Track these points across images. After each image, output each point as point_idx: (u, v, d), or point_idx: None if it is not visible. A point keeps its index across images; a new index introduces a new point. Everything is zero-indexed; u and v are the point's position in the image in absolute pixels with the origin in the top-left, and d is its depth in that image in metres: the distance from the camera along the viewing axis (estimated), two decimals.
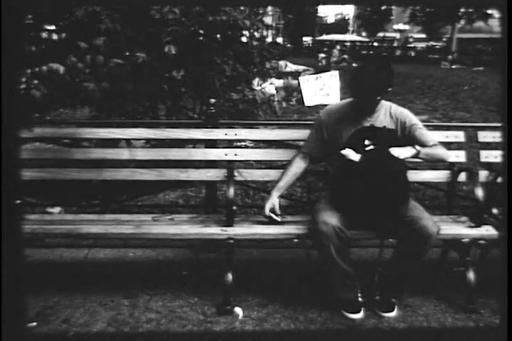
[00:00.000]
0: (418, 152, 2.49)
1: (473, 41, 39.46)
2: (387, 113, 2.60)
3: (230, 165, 2.86)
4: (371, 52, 37.47)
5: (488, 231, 2.61)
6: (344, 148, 2.47)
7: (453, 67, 27.91)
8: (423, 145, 2.55)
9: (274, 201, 2.64)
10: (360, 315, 2.45)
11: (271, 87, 8.42)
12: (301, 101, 11.09)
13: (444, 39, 40.82)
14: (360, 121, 2.57)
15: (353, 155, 2.42)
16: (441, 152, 2.61)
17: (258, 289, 2.72)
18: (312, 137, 2.70)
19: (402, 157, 2.43)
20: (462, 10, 32.57)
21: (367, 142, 2.48)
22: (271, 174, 2.96)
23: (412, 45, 42.50)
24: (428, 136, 2.61)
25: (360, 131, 2.53)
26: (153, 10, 3.62)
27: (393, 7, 45.24)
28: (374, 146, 2.47)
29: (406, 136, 2.58)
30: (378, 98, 2.51)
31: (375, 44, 43.63)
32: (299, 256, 3.05)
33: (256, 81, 4.92)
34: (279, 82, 10.86)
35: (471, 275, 2.57)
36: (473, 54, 32.65)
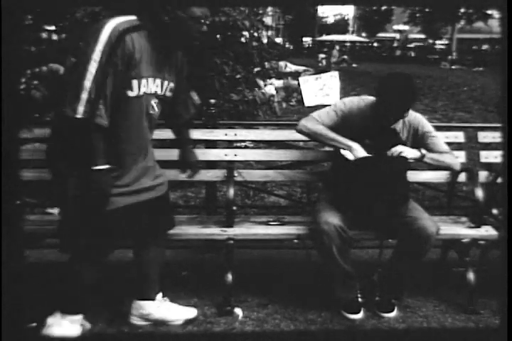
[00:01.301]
0: (423, 156, 2.46)
1: (473, 41, 39.48)
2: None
3: (229, 166, 2.86)
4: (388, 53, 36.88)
5: (488, 231, 2.61)
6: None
7: (453, 67, 27.94)
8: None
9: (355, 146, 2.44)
10: (360, 316, 2.45)
11: (271, 87, 8.41)
12: (301, 101, 11.09)
13: (444, 39, 40.84)
14: (375, 124, 2.52)
15: (350, 156, 2.41)
16: (449, 160, 2.55)
17: (258, 289, 2.71)
18: (329, 112, 2.55)
19: (404, 154, 2.41)
20: (462, 10, 32.58)
21: (367, 141, 2.47)
22: (271, 174, 2.95)
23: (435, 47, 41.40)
24: (439, 145, 2.56)
25: (361, 130, 2.52)
26: None
27: (393, 7, 45.23)
28: (374, 145, 2.46)
29: (417, 143, 2.55)
30: (398, 119, 2.50)
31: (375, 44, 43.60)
32: (299, 256, 3.05)
33: (261, 83, 4.92)
34: (279, 83, 10.88)
35: (471, 275, 2.57)
36: (473, 54, 32.66)
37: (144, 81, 1.94)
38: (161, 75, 2.02)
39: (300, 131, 2.57)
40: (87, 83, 1.81)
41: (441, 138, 2.62)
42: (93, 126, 1.86)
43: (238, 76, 4.34)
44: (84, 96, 1.82)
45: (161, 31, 1.94)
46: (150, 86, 1.99)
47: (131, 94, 1.92)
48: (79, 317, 2.17)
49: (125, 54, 1.84)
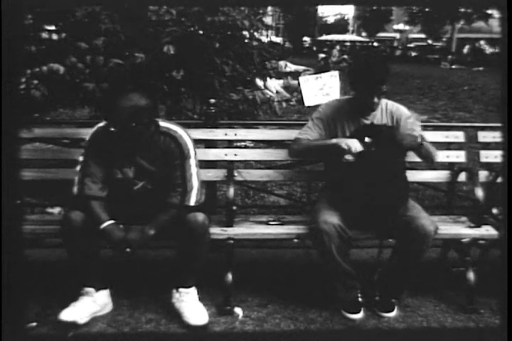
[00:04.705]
0: (422, 138, 2.44)
1: (473, 41, 39.46)
2: (383, 110, 2.60)
3: (229, 165, 2.86)
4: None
5: (488, 231, 2.61)
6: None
7: (453, 67, 27.93)
8: None
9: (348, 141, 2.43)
10: (360, 315, 2.45)
11: (271, 87, 8.39)
12: (301, 101, 11.07)
13: (444, 39, 40.83)
14: (359, 119, 2.57)
15: (349, 157, 2.41)
16: (434, 149, 2.58)
17: (258, 289, 2.72)
18: (310, 126, 2.62)
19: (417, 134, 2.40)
20: (462, 10, 32.56)
21: (367, 140, 2.47)
22: (270, 174, 2.95)
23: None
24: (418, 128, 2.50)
25: (360, 129, 2.53)
26: (150, 11, 3.62)
27: (393, 7, 45.18)
28: (373, 143, 2.46)
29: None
30: (377, 96, 2.49)
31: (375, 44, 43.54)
32: (299, 256, 3.05)
33: (262, 82, 4.92)
34: (279, 82, 10.87)
35: (471, 275, 2.57)
36: (473, 54, 32.62)
37: (115, 170, 2.44)
38: (130, 164, 2.43)
39: (292, 155, 2.72)
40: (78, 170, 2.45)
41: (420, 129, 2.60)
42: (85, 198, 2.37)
43: (240, 76, 4.34)
44: (76, 178, 2.43)
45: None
46: (124, 173, 2.44)
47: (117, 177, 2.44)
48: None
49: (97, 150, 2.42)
